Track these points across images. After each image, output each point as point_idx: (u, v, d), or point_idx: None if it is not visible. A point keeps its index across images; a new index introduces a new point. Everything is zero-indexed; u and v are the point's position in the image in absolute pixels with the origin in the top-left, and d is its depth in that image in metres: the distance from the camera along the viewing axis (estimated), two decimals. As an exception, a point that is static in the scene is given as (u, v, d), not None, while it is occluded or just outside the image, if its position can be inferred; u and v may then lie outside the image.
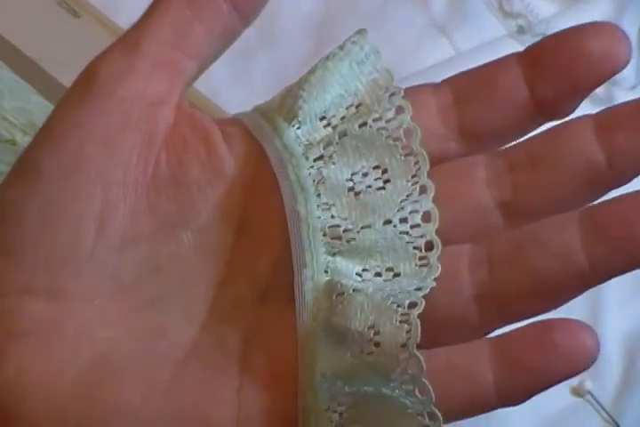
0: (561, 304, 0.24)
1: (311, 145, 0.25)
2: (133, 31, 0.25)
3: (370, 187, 0.25)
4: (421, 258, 0.24)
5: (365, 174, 0.25)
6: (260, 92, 0.48)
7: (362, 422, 0.23)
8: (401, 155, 0.25)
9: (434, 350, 0.24)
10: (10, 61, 0.45)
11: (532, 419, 0.47)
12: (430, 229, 0.24)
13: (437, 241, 0.24)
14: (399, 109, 0.25)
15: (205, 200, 0.25)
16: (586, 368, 0.23)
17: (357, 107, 0.25)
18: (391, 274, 0.24)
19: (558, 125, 0.25)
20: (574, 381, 0.47)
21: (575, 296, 0.24)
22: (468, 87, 0.25)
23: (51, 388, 0.23)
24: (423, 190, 0.24)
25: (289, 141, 0.25)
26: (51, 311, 0.23)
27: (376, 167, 0.25)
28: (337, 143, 0.25)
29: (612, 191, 0.24)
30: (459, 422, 0.25)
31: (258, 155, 0.25)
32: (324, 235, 0.24)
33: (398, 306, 0.23)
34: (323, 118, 0.25)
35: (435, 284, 0.23)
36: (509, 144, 0.26)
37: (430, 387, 0.22)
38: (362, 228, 0.24)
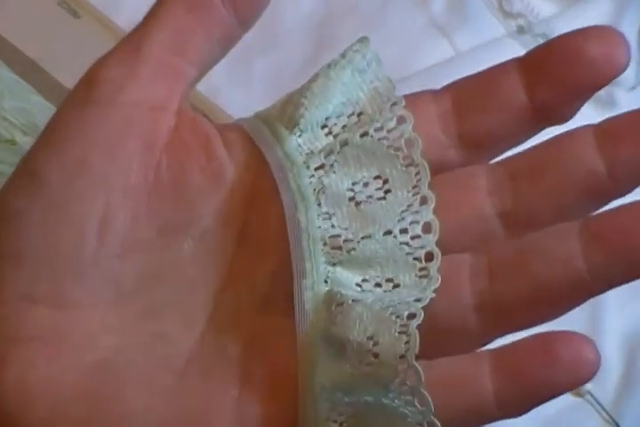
0: (562, 314, 0.24)
1: (312, 154, 0.25)
2: (134, 36, 0.25)
3: (370, 197, 0.24)
4: (421, 269, 0.24)
5: (366, 184, 0.25)
6: (260, 91, 0.48)
7: None
8: (402, 165, 0.25)
9: (434, 360, 0.24)
10: (10, 61, 0.45)
11: (532, 419, 0.47)
12: (431, 240, 0.24)
13: (437, 252, 0.24)
14: (401, 119, 0.25)
15: (206, 206, 0.25)
16: (587, 381, 0.23)
17: (359, 115, 0.25)
18: (391, 285, 0.24)
19: (559, 135, 0.25)
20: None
21: (576, 306, 0.24)
22: (467, 94, 0.25)
23: (53, 394, 0.23)
24: (424, 201, 0.24)
25: (290, 150, 0.25)
26: (53, 318, 0.23)
27: (377, 177, 0.25)
28: (338, 152, 0.25)
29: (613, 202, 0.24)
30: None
31: (258, 161, 0.25)
32: (325, 244, 0.24)
33: (397, 317, 0.23)
34: (324, 127, 0.25)
35: (434, 295, 0.23)
36: (510, 151, 0.26)
37: (429, 398, 0.22)
38: (362, 238, 0.24)
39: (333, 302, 0.23)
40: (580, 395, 0.47)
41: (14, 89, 0.44)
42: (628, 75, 0.50)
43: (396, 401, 0.23)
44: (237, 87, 0.49)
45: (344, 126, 0.25)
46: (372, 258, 0.24)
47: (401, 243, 0.24)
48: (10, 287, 0.23)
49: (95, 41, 0.47)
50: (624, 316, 0.49)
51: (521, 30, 0.51)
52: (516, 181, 0.25)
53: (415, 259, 0.24)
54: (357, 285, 0.24)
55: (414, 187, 0.24)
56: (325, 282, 0.24)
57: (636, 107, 0.24)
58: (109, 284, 0.24)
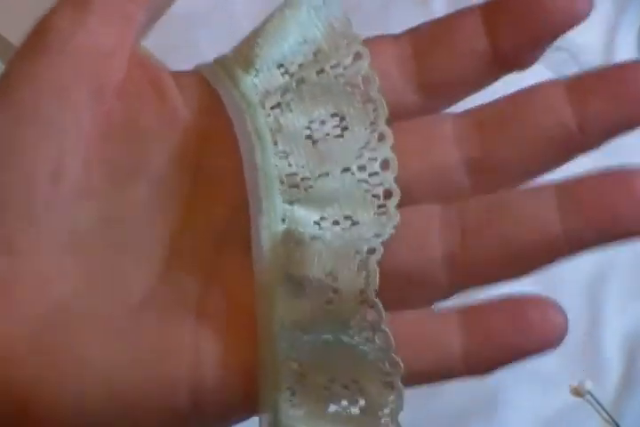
0: (532, 273, 0.24)
1: (268, 93, 0.24)
2: None
3: (328, 135, 0.24)
4: (380, 206, 0.24)
5: (323, 122, 0.24)
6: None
7: (321, 370, 0.23)
8: (359, 102, 0.24)
9: (400, 312, 0.23)
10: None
11: (532, 419, 0.47)
12: (389, 178, 0.24)
13: (396, 189, 0.24)
14: (357, 56, 0.24)
15: (160, 149, 0.25)
16: (556, 346, 0.23)
17: (315, 54, 0.25)
18: (349, 222, 0.24)
19: (529, 87, 0.25)
20: (574, 381, 0.47)
21: (547, 266, 0.24)
22: (427, 38, 0.25)
23: (8, 340, 0.23)
24: (382, 138, 0.24)
25: (246, 90, 0.24)
26: (7, 264, 0.23)
27: (334, 115, 0.24)
28: (294, 91, 0.24)
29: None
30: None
31: (214, 103, 0.25)
32: (282, 183, 0.24)
33: (357, 252, 0.22)
34: (280, 66, 0.25)
35: (393, 231, 0.23)
36: (471, 101, 0.25)
37: (390, 334, 0.22)
38: (319, 176, 0.24)
39: (291, 241, 0.23)
40: (580, 395, 0.47)
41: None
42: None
43: (356, 338, 0.22)
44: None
45: (300, 65, 0.25)
46: (329, 196, 0.24)
47: (359, 180, 0.24)
48: None
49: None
50: (624, 316, 0.49)
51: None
52: (483, 131, 0.24)
53: (374, 196, 0.24)
54: (315, 223, 0.24)
55: (372, 124, 0.24)
56: (283, 221, 0.24)
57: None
58: (64, 229, 0.24)
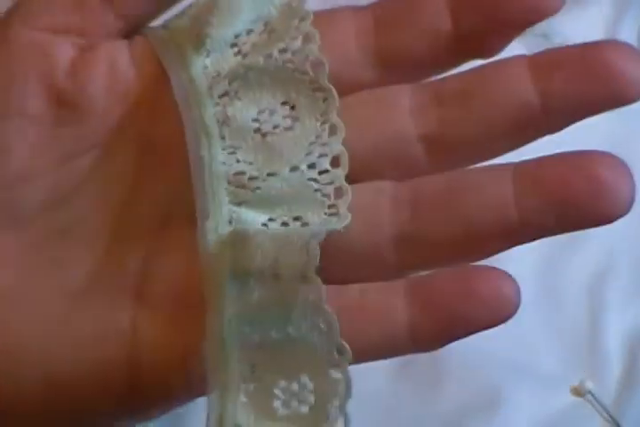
0: (484, 257, 0.23)
1: (219, 77, 0.24)
2: None
3: (277, 127, 0.23)
4: (330, 206, 0.23)
5: (272, 113, 0.23)
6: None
7: (270, 371, 0.22)
8: (309, 90, 0.23)
9: (346, 286, 0.23)
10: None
11: (532, 419, 0.47)
12: (340, 175, 0.23)
13: (347, 188, 0.23)
14: (306, 38, 0.24)
15: (109, 126, 0.24)
16: (507, 318, 0.22)
17: (270, 33, 0.24)
18: (299, 224, 0.23)
19: (492, 62, 0.24)
20: (574, 381, 0.47)
21: (503, 250, 0.23)
22: (390, 13, 0.24)
23: None
24: (333, 131, 0.23)
25: (196, 74, 0.24)
26: None
27: (284, 103, 0.23)
28: (242, 78, 0.23)
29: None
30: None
31: (164, 77, 0.24)
32: (229, 183, 0.23)
33: (299, 238, 0.22)
34: (234, 46, 0.24)
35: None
36: (430, 78, 0.25)
37: (333, 315, 0.22)
38: (268, 175, 0.23)
39: (237, 240, 0.22)
40: (580, 395, 0.47)
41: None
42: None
43: (303, 327, 0.22)
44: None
45: (254, 44, 0.24)
46: (278, 197, 0.23)
47: (308, 179, 0.23)
48: None
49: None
50: (626, 315, 0.49)
51: (522, 31, 0.51)
52: (442, 104, 0.23)
53: (324, 195, 0.23)
54: (263, 224, 0.23)
55: (322, 114, 0.23)
56: (230, 223, 0.23)
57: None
58: (6, 211, 0.24)
